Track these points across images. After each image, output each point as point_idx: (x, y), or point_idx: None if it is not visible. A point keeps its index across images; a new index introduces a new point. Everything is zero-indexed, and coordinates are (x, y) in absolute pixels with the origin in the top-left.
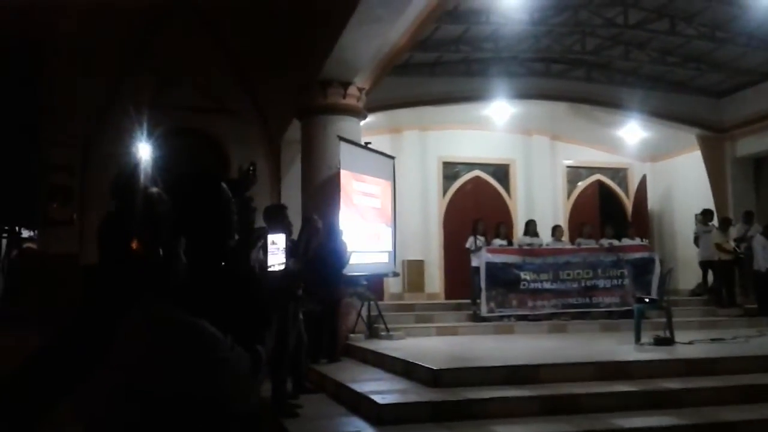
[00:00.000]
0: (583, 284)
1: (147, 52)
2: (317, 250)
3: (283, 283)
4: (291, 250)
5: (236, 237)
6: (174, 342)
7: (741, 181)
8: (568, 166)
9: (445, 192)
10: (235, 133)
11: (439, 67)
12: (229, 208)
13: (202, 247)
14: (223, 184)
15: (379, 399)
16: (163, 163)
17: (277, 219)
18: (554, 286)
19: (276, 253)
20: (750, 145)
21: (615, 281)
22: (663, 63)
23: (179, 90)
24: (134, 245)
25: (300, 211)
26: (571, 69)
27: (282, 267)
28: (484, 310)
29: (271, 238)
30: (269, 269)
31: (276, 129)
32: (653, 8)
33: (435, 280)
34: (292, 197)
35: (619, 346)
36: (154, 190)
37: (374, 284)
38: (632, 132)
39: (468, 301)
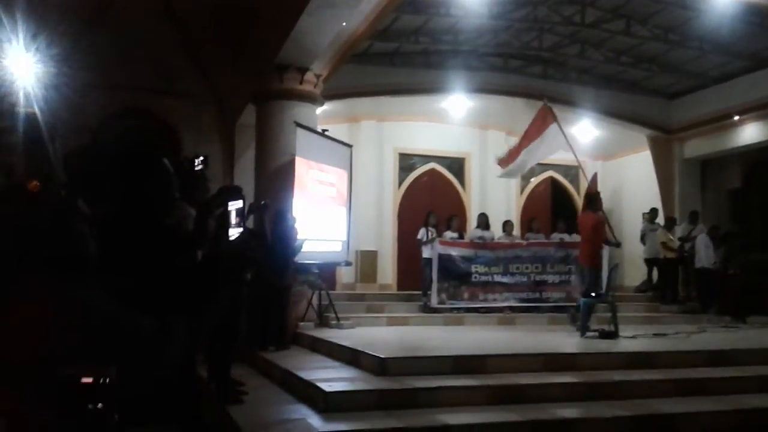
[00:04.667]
0: (532, 278)
1: (99, 29)
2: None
3: (243, 249)
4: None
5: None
6: (61, 317)
7: (687, 182)
8: None
9: (400, 183)
10: (187, 115)
11: (398, 58)
12: (169, 181)
13: (142, 215)
14: (165, 160)
15: (325, 387)
16: (111, 141)
17: (233, 200)
18: (505, 279)
19: (235, 222)
20: (697, 147)
21: (562, 276)
22: (617, 63)
23: (131, 69)
24: (32, 186)
25: (253, 198)
26: (528, 65)
27: (239, 234)
28: (434, 302)
29: (231, 206)
30: (229, 237)
31: (231, 113)
32: (610, 8)
33: (388, 271)
34: (245, 183)
35: (565, 339)
36: (36, 109)
37: (326, 273)
38: (585, 130)
39: (419, 292)
